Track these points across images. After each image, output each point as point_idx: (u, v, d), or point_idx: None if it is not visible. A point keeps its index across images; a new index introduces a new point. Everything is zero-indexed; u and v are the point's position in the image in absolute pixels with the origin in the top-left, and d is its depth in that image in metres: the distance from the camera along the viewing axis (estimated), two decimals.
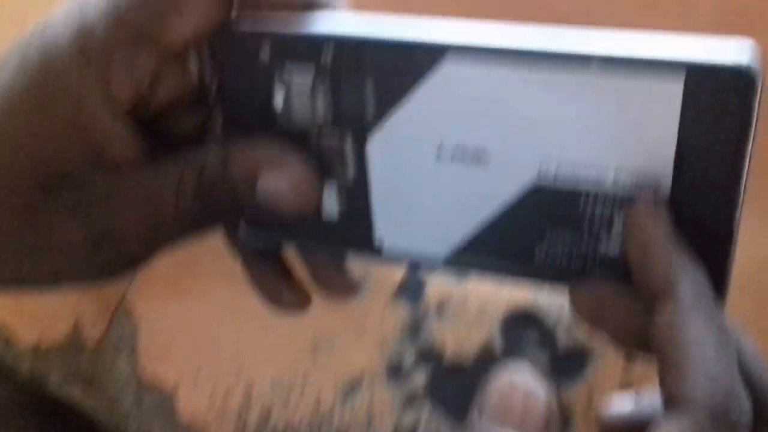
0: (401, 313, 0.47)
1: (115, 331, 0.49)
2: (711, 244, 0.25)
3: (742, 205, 0.24)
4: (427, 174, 0.27)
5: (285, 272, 0.33)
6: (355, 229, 0.30)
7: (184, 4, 0.27)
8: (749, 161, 0.24)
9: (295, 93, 0.28)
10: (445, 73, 0.26)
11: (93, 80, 0.27)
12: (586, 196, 0.26)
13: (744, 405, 0.22)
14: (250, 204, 0.28)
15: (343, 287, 0.33)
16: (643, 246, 0.24)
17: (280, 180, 0.28)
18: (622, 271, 0.26)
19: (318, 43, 0.27)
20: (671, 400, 0.22)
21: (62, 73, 0.27)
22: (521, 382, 0.28)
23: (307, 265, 0.33)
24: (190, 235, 0.29)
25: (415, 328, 0.46)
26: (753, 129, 0.23)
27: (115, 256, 0.29)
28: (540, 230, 0.27)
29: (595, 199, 0.26)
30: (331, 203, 0.29)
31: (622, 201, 0.25)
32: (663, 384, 0.23)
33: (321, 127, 0.28)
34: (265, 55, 0.28)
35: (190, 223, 0.28)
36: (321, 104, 0.28)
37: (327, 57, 0.27)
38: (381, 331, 0.46)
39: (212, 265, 0.48)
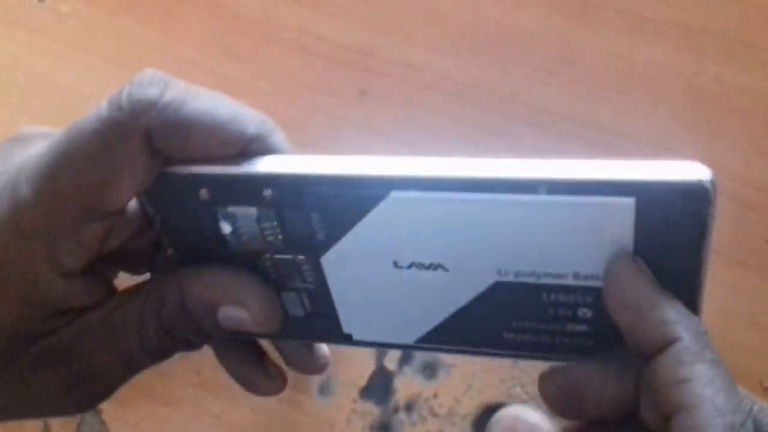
0: (369, 413, 0.47)
1: None
2: None
3: (701, 306, 0.25)
4: (386, 279, 0.28)
5: (258, 357, 0.33)
6: (324, 325, 0.30)
7: (121, 170, 0.26)
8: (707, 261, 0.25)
9: (242, 224, 0.28)
10: (393, 202, 0.26)
11: (38, 257, 0.27)
12: (547, 290, 0.26)
13: None
14: (213, 331, 0.29)
15: (314, 366, 0.34)
16: (633, 306, 0.24)
17: (238, 311, 0.29)
18: (592, 340, 0.27)
19: (257, 182, 0.27)
20: None
21: (7, 250, 0.27)
22: (526, 416, 0.28)
23: (278, 349, 0.34)
24: (161, 359, 0.30)
25: (383, 429, 0.46)
26: (710, 235, 0.24)
27: (90, 392, 0.29)
28: (506, 318, 0.28)
29: (557, 291, 0.26)
30: (295, 308, 0.30)
31: (585, 288, 0.26)
32: (674, 425, 0.23)
33: (273, 249, 0.29)
34: (204, 195, 0.28)
35: (157, 352, 0.29)
36: (269, 233, 0.28)
37: (268, 195, 0.27)
38: None
39: (181, 370, 0.48)
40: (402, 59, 0.47)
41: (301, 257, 0.29)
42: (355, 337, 0.30)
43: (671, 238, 0.24)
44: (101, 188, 0.26)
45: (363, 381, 0.47)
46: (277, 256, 0.29)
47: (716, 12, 0.46)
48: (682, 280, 0.25)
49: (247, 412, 0.48)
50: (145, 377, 0.48)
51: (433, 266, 0.27)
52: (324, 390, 0.47)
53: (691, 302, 0.25)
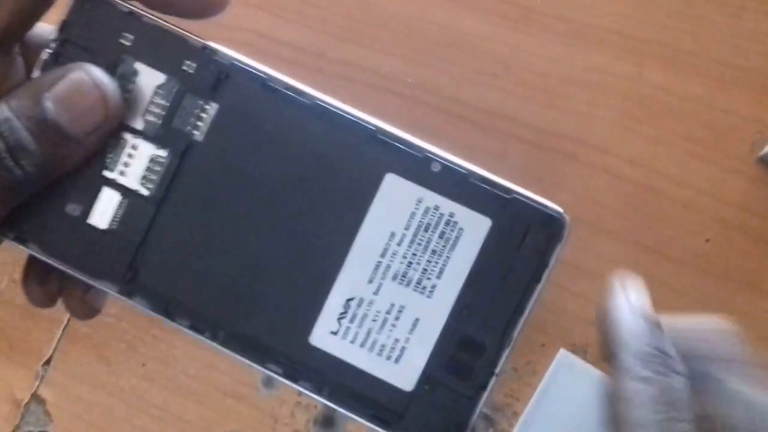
0: (313, 406, 0.47)
1: (28, 424, 0.49)
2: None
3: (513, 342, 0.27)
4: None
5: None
6: (114, 250, 0.27)
7: None
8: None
9: (136, 86, 0.27)
10: None
11: None
12: None
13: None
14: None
15: (84, 311, 0.31)
16: (615, 319, 0.25)
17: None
18: None
19: (188, 50, 0.27)
20: None
21: None
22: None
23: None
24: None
25: (327, 422, 0.46)
26: (546, 275, 0.26)
27: None
28: None
29: None
30: (103, 214, 0.27)
31: None
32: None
33: (141, 131, 0.27)
34: (127, 39, 0.27)
35: None
36: (154, 112, 0.27)
37: (187, 68, 0.27)
38: None
39: (127, 361, 0.49)
40: (353, 61, 0.49)
41: (161, 154, 0.27)
42: (144, 283, 0.27)
43: (512, 265, 0.26)
44: None
45: None
46: (138, 139, 0.27)
47: (655, 21, 0.48)
48: (507, 306, 0.26)
49: (192, 405, 0.48)
50: (91, 368, 0.49)
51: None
52: (268, 383, 0.47)
53: (509, 330, 0.26)
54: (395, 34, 0.49)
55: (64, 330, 0.50)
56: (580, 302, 0.45)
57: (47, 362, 0.49)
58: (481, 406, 0.26)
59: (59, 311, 0.49)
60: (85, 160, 0.27)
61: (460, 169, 0.26)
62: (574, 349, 0.45)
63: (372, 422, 0.27)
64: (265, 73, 0.27)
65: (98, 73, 0.26)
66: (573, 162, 0.47)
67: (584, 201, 0.46)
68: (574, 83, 0.48)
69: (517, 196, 0.26)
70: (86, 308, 0.30)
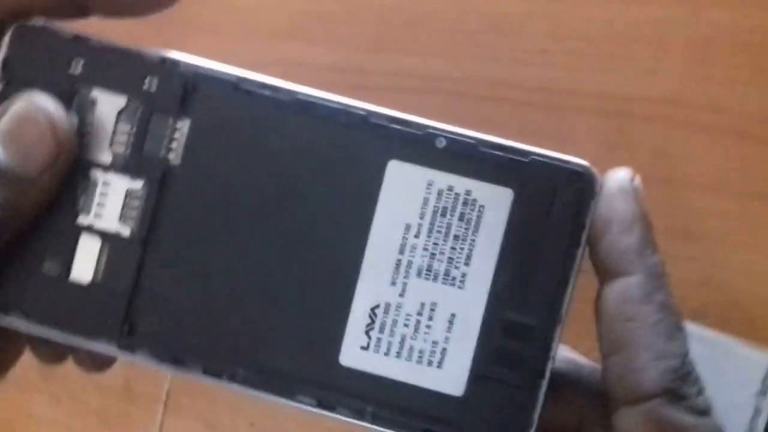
0: None
1: None
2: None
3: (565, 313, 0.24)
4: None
5: None
6: (104, 308, 0.25)
7: None
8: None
9: (97, 115, 0.25)
10: None
11: None
12: None
13: (698, 382, 0.23)
14: None
15: (96, 365, 0.28)
16: (605, 221, 0.24)
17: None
18: None
19: (148, 65, 0.25)
20: (621, 381, 0.23)
21: None
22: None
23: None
24: None
25: None
26: (585, 237, 0.24)
27: None
28: None
29: None
30: (85, 265, 0.25)
31: None
32: (610, 364, 0.23)
33: (112, 164, 0.25)
34: (77, 67, 0.25)
35: None
36: (120, 139, 0.25)
37: (149, 85, 0.25)
38: None
39: (230, 417, 0.47)
40: (394, 70, 0.47)
41: (137, 187, 0.25)
42: (142, 337, 0.25)
43: (545, 234, 0.24)
44: None
45: None
46: (109, 174, 0.25)
47: None
48: (548, 281, 0.24)
49: None
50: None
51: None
52: None
53: (555, 307, 0.24)
54: (432, 32, 0.47)
55: (165, 405, 0.49)
56: (691, 265, 0.42)
57: None
58: (543, 396, 0.24)
59: (155, 386, 0.48)
60: (46, 204, 0.24)
61: (467, 140, 0.24)
62: (695, 316, 0.42)
63: None
64: (234, 76, 0.24)
65: (42, 100, 0.24)
66: (647, 122, 0.44)
67: (668, 158, 0.43)
68: (626, 41, 0.45)
69: (536, 158, 0.24)
70: (97, 361, 0.27)
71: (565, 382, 0.26)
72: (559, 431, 0.25)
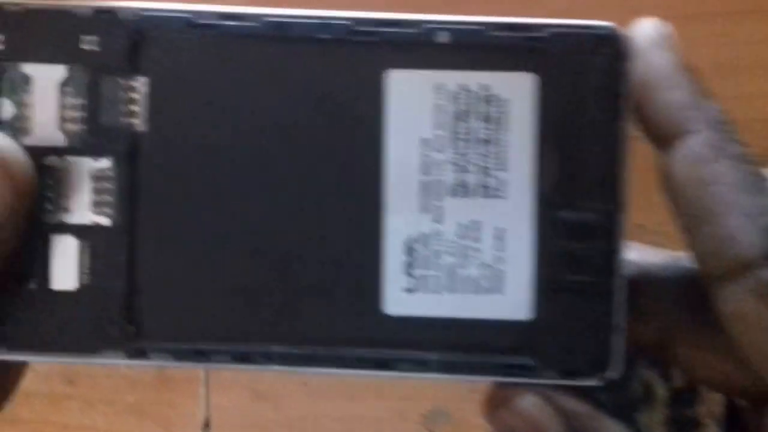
0: None
1: None
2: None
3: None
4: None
5: None
6: (98, 313, 0.22)
7: None
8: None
9: (34, 96, 0.21)
10: None
11: None
12: None
13: None
14: None
15: None
16: (644, 82, 0.21)
17: None
18: None
19: (80, 22, 0.21)
20: (715, 255, 0.20)
21: None
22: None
23: None
24: None
25: None
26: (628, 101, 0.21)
27: None
28: None
29: None
30: (65, 272, 0.22)
31: None
32: (697, 239, 0.20)
33: (68, 146, 0.21)
34: None
35: None
36: (72, 115, 0.21)
37: (90, 44, 0.21)
38: None
39: None
40: None
41: (104, 165, 0.21)
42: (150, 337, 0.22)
43: (583, 114, 0.21)
44: None
45: None
46: (67, 158, 0.21)
47: None
48: (599, 165, 0.22)
49: None
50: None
51: None
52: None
53: (613, 192, 0.22)
54: None
55: (206, 384, 0.46)
56: (749, 103, 0.38)
57: None
58: (623, 296, 0.21)
59: None
60: (12, 254, 0.21)
61: (471, 27, 0.21)
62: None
63: (506, 375, 0.21)
64: (187, 11, 0.21)
65: None
66: None
67: None
68: None
69: (553, 30, 0.21)
70: None
71: (639, 290, 0.22)
72: (641, 349, 0.23)
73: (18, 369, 0.24)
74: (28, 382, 0.23)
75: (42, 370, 0.24)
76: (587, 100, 0.21)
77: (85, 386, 0.46)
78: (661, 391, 0.39)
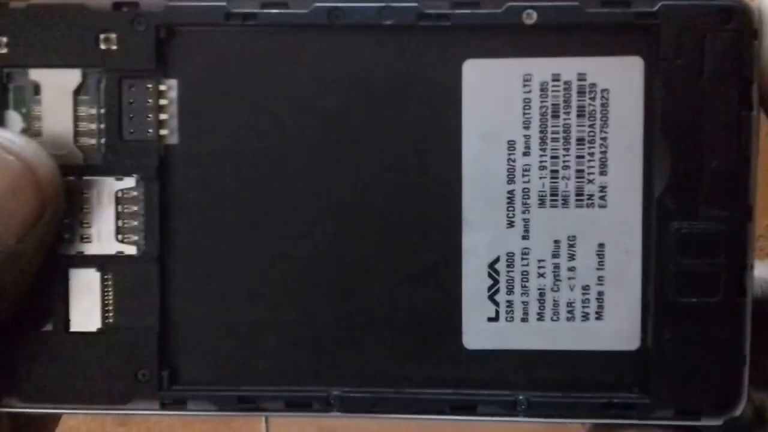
0: None
1: None
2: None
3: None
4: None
5: None
6: (131, 353, 0.19)
7: None
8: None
9: (46, 107, 0.19)
10: None
11: None
12: None
13: None
14: None
15: None
16: None
17: None
18: None
19: (95, 19, 0.19)
20: None
21: None
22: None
23: None
24: None
25: None
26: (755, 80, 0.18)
27: None
28: None
29: None
30: (86, 313, 0.20)
31: None
32: None
33: (85, 164, 0.19)
34: (1, 47, 0.19)
35: None
36: (87, 126, 0.19)
37: (109, 41, 0.19)
38: None
39: None
40: None
41: (129, 185, 0.19)
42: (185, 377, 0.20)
43: (701, 104, 0.18)
44: None
45: None
46: (87, 179, 0.19)
47: None
48: (722, 165, 0.19)
49: None
50: None
51: None
52: None
53: (739, 197, 0.18)
54: None
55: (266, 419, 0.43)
56: None
57: None
58: (748, 319, 0.19)
59: None
60: (29, 287, 0.18)
61: (565, 4, 0.18)
62: None
63: (611, 416, 0.19)
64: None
65: (7, 137, 0.17)
66: None
67: None
68: None
69: (665, 3, 0.18)
70: None
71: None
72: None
73: (53, 418, 0.22)
74: (79, 422, 0.21)
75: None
76: (706, 87, 0.18)
77: (138, 428, 0.44)
78: None
